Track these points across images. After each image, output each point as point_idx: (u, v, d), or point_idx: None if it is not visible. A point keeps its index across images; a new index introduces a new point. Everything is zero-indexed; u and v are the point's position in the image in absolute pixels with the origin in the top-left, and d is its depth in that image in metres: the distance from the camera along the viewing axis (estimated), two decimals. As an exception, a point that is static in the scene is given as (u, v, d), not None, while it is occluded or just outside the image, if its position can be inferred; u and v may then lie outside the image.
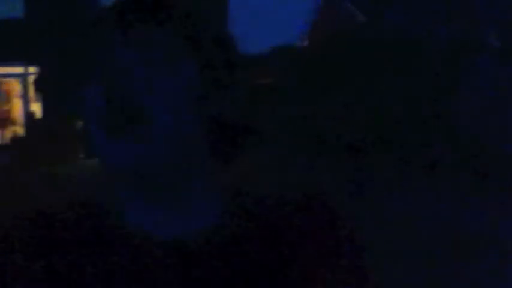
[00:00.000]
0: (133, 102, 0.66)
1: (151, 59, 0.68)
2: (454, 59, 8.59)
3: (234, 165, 0.75)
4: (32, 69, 14.15)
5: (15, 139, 12.89)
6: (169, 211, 0.71)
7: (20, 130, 13.99)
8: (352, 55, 9.21)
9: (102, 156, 0.69)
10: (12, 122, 14.34)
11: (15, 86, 14.55)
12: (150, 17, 0.69)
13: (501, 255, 4.77)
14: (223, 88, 0.72)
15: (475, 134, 7.78)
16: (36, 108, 14.05)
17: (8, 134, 13.99)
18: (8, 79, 14.61)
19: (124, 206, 0.72)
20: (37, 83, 13.72)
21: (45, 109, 13.56)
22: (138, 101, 0.66)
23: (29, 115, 13.89)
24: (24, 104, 14.43)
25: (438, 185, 7.46)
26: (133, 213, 0.72)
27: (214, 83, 0.71)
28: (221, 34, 0.74)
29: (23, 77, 14.47)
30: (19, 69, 14.39)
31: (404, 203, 6.84)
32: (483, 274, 4.36)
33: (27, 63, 13.96)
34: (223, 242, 0.71)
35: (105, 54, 0.69)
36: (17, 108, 14.53)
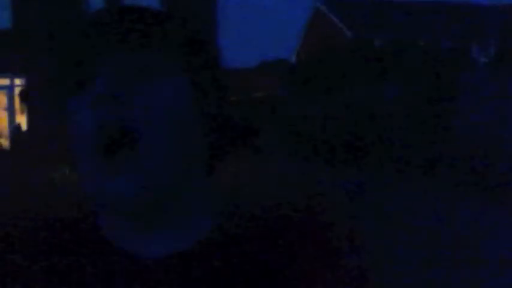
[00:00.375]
0: (128, 115, 0.63)
1: (144, 65, 0.65)
2: (449, 70, 8.74)
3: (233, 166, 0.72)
4: (18, 81, 14.09)
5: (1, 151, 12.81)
6: (167, 225, 0.68)
7: (5, 142, 13.89)
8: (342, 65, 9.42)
9: (95, 184, 0.65)
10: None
11: (1, 98, 14.47)
12: (142, 24, 0.66)
13: (500, 255, 4.79)
14: (219, 94, 0.71)
15: (475, 134, 7.88)
16: (22, 120, 13.99)
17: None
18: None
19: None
20: (23, 94, 13.66)
21: (31, 121, 13.48)
22: (133, 115, 0.63)
23: (14, 127, 13.83)
24: (10, 116, 14.34)
25: (438, 185, 7.51)
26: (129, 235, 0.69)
27: (210, 90, 0.70)
28: (212, 40, 0.73)
29: (8, 89, 14.39)
30: (5, 81, 14.31)
31: (404, 202, 6.86)
32: (482, 274, 4.36)
33: (13, 74, 13.90)
34: (223, 245, 0.69)
35: (94, 63, 0.65)
36: (2, 120, 14.43)
